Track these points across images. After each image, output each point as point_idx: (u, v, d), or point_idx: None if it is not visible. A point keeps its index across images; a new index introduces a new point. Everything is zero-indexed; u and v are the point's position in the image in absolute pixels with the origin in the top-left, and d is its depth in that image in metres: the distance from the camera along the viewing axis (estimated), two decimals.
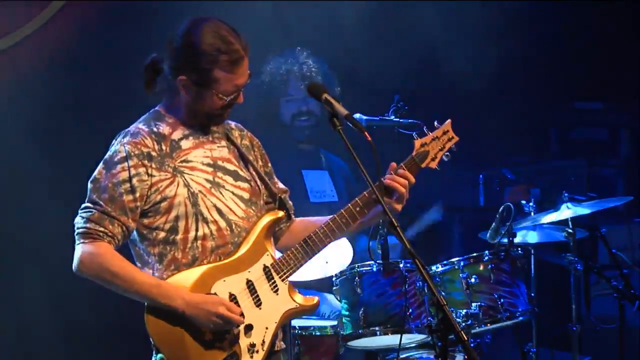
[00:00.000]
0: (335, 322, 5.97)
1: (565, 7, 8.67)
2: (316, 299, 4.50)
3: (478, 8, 8.34)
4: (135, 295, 4.27)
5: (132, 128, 4.40)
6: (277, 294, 4.39)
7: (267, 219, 4.45)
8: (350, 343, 5.75)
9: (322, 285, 6.19)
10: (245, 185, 4.44)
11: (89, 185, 4.33)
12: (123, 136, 4.37)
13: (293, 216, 4.62)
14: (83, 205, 4.31)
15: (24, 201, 7.08)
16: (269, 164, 4.65)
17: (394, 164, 4.53)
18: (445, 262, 6.01)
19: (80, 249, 4.27)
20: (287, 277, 4.42)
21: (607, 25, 8.80)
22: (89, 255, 4.25)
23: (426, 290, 5.68)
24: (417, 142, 4.61)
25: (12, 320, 7.09)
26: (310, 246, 4.44)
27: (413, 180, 4.49)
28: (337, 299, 5.83)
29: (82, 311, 7.03)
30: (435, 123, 4.67)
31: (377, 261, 5.74)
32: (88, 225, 4.26)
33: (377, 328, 5.65)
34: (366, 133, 4.28)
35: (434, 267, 5.97)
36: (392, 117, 6.13)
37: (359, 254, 6.31)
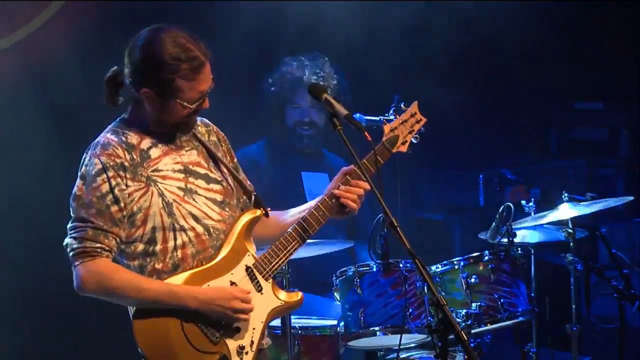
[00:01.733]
0: (335, 322, 5.97)
1: (566, 7, 8.67)
2: (300, 294, 4.49)
3: (477, 8, 8.34)
4: (146, 303, 4.23)
5: (101, 139, 4.33)
6: (262, 294, 4.38)
7: (245, 218, 4.42)
8: (350, 343, 5.75)
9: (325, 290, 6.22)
10: (217, 187, 4.41)
11: (72, 203, 4.27)
12: (94, 148, 4.31)
13: (269, 214, 4.55)
14: (72, 225, 4.25)
15: (21, 199, 7.09)
16: (235, 159, 4.60)
17: (345, 169, 4.50)
18: (445, 262, 6.01)
19: (80, 270, 4.22)
20: (270, 275, 4.40)
21: (608, 25, 8.80)
22: (92, 274, 4.21)
23: (426, 290, 5.68)
24: (386, 127, 4.61)
25: None
26: (292, 243, 4.42)
27: (368, 187, 4.41)
28: (337, 299, 5.83)
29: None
30: (402, 105, 4.65)
31: (377, 261, 5.74)
32: (84, 244, 4.21)
33: (377, 328, 5.65)
34: (366, 133, 4.28)
35: (434, 267, 5.97)
36: (392, 117, 6.12)
37: (361, 259, 6.34)
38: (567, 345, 6.57)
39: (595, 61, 8.75)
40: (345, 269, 5.79)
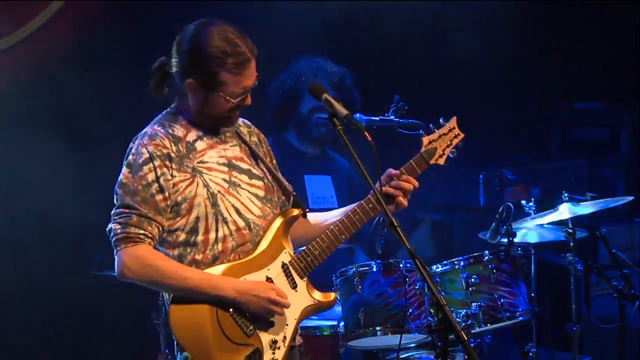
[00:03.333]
0: (335, 322, 5.97)
1: (566, 7, 8.67)
2: (333, 295, 4.57)
3: (478, 7, 8.35)
4: (185, 291, 4.28)
5: (148, 130, 4.42)
6: (296, 291, 4.45)
7: (282, 217, 4.48)
8: (350, 343, 5.75)
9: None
10: (260, 182, 4.48)
11: (118, 190, 4.34)
12: (141, 138, 4.39)
13: (309, 215, 4.63)
14: (117, 211, 4.32)
15: (19, 197, 7.09)
16: (274, 161, 4.68)
17: (391, 170, 4.55)
18: (445, 262, 6.01)
19: (123, 255, 4.28)
20: (305, 273, 4.47)
21: (608, 25, 8.80)
22: (135, 259, 4.27)
23: (426, 290, 5.68)
24: (425, 139, 4.66)
25: None
26: (327, 243, 4.49)
27: (417, 184, 4.54)
28: (337, 299, 5.83)
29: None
30: (441, 120, 4.70)
31: (377, 261, 5.74)
32: (128, 229, 4.28)
33: (377, 328, 5.65)
34: (366, 133, 4.29)
35: (434, 267, 5.97)
36: (392, 117, 6.12)
37: (361, 259, 6.34)
38: (567, 345, 6.57)
39: (595, 61, 8.75)
40: (345, 269, 5.78)
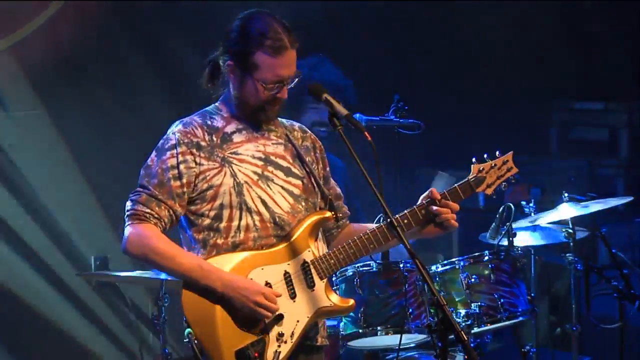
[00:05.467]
0: (335, 322, 5.97)
1: (566, 7, 8.67)
2: (351, 301, 4.51)
3: (476, 7, 8.35)
4: (178, 275, 4.35)
5: (187, 118, 4.50)
6: (313, 290, 4.43)
7: (314, 217, 4.48)
8: (350, 343, 5.75)
9: None
10: (297, 182, 4.50)
11: (141, 171, 4.43)
12: (176, 125, 4.47)
13: (345, 221, 4.63)
14: (134, 190, 4.41)
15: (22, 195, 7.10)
16: (328, 169, 4.69)
17: (434, 192, 4.52)
18: (445, 262, 6.01)
19: (128, 230, 4.37)
20: (326, 275, 4.45)
21: (608, 25, 8.80)
22: (136, 236, 4.35)
23: (426, 290, 5.68)
24: (475, 168, 4.65)
25: None
26: (354, 250, 4.46)
27: (457, 208, 4.55)
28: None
29: None
30: (497, 153, 4.68)
31: (377, 261, 5.74)
32: (136, 207, 4.37)
33: (377, 328, 5.65)
34: (366, 133, 4.29)
35: (434, 267, 5.97)
36: (392, 117, 6.12)
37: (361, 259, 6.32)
38: (567, 345, 6.57)
39: (595, 61, 8.75)
40: (345, 269, 5.78)
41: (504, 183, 4.69)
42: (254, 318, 4.32)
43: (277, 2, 7.53)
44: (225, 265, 4.35)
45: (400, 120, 6.11)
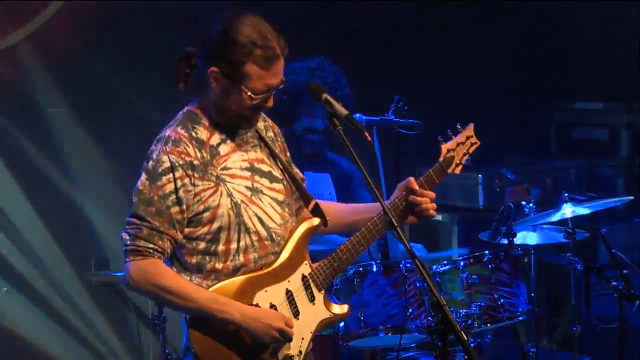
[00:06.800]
0: None
1: (566, 7, 8.67)
2: (347, 307, 4.49)
3: (478, 7, 8.35)
4: (190, 311, 4.18)
5: (171, 134, 4.19)
6: (314, 304, 4.36)
7: (303, 227, 4.38)
8: (350, 343, 5.75)
9: None
10: (279, 186, 4.36)
11: (134, 197, 4.16)
12: (164, 143, 4.18)
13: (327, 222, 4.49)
14: (129, 220, 4.16)
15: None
16: (288, 154, 4.53)
17: (413, 183, 4.46)
18: (445, 262, 6.01)
19: (130, 266, 4.14)
20: (324, 287, 4.38)
21: (608, 25, 8.81)
22: (141, 272, 4.13)
23: (426, 290, 5.68)
24: (444, 148, 4.57)
25: None
26: (347, 256, 4.39)
27: (433, 196, 4.46)
28: (337, 299, 5.83)
29: None
30: (458, 126, 4.64)
31: (377, 261, 5.74)
32: (137, 242, 4.13)
33: (377, 328, 5.65)
34: (366, 133, 4.27)
35: (434, 267, 5.97)
36: (392, 117, 6.12)
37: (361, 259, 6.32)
38: (567, 345, 6.57)
39: (595, 61, 8.75)
40: (345, 268, 5.78)
41: (468, 158, 4.62)
42: (264, 346, 4.22)
43: (275, 1, 7.56)
44: (227, 293, 4.19)
45: (400, 120, 6.10)
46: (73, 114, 7.19)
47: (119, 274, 6.45)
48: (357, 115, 6.01)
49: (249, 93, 4.17)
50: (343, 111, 4.31)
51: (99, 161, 7.26)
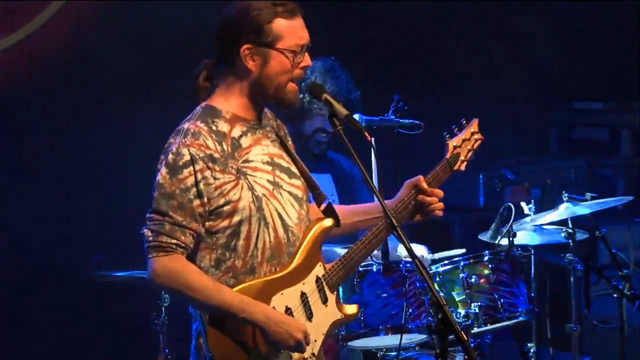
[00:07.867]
0: None
1: (565, 7, 8.67)
2: (356, 307, 4.47)
3: (475, 7, 8.36)
4: (214, 309, 4.14)
5: (190, 126, 4.14)
6: (326, 306, 4.33)
7: (318, 228, 4.34)
8: (350, 343, 5.74)
9: None
10: (298, 182, 4.34)
11: (154, 192, 4.12)
12: (183, 136, 4.13)
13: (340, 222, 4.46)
14: (150, 216, 4.13)
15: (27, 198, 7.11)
16: (293, 148, 4.48)
17: (422, 182, 4.44)
18: (445, 262, 6.01)
19: (154, 263, 4.10)
20: (336, 288, 4.36)
21: (608, 24, 8.81)
22: (164, 269, 4.10)
23: (426, 290, 5.68)
24: (450, 144, 4.56)
25: None
26: (359, 256, 4.38)
27: (441, 194, 4.45)
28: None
29: None
30: (463, 121, 4.63)
31: (377, 261, 5.74)
32: (160, 238, 4.09)
33: (377, 328, 5.65)
34: (366, 133, 4.27)
35: (434, 267, 5.97)
36: (392, 117, 6.11)
37: None
38: (567, 345, 6.57)
39: (595, 61, 8.76)
40: None
41: (472, 155, 4.62)
42: (278, 350, 4.20)
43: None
44: (250, 296, 4.15)
45: (400, 120, 6.10)
46: (73, 114, 7.19)
47: (119, 274, 6.45)
48: (357, 115, 6.00)
49: (286, 53, 4.16)
50: (343, 111, 4.31)
51: (99, 161, 7.26)
